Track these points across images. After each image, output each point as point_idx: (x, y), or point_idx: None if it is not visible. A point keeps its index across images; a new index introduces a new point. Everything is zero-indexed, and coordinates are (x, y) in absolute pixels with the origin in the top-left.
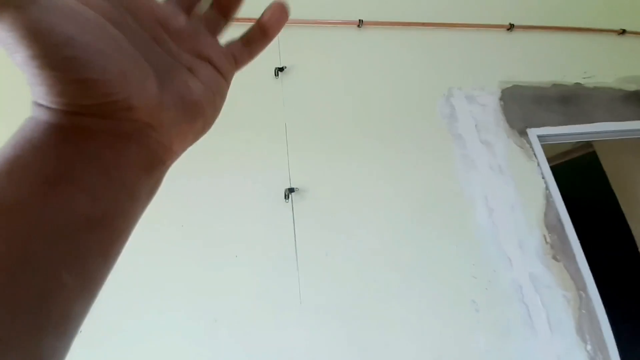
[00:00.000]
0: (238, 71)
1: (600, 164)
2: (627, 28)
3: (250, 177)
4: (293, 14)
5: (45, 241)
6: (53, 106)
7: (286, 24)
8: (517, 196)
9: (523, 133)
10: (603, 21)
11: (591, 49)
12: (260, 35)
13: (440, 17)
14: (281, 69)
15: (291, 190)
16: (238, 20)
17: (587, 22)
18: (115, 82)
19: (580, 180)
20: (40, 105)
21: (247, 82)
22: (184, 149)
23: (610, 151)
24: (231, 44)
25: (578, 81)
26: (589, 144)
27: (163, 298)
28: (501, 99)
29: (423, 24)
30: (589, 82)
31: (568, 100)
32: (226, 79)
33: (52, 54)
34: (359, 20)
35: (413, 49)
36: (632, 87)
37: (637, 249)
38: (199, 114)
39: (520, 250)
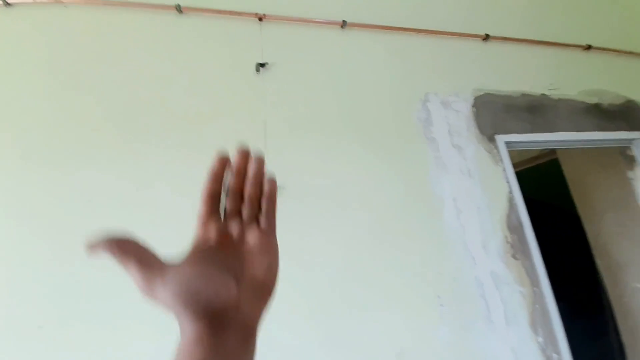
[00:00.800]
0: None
1: (561, 171)
2: (593, 44)
3: None
4: (278, 10)
5: None
6: (192, 327)
7: (270, 20)
8: (483, 198)
9: (492, 139)
10: (571, 36)
11: (558, 62)
12: (270, 203)
13: (421, 23)
14: (262, 65)
15: None
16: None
17: (556, 37)
18: (215, 301)
19: (544, 184)
20: (184, 328)
21: (227, 76)
22: (264, 312)
23: (571, 159)
24: (263, 223)
25: (544, 92)
26: (553, 151)
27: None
28: (474, 105)
29: (405, 29)
30: (554, 94)
31: (534, 110)
32: (276, 253)
33: (186, 304)
34: (343, 20)
35: (394, 52)
36: (593, 100)
37: (590, 250)
38: (266, 290)
39: (483, 249)
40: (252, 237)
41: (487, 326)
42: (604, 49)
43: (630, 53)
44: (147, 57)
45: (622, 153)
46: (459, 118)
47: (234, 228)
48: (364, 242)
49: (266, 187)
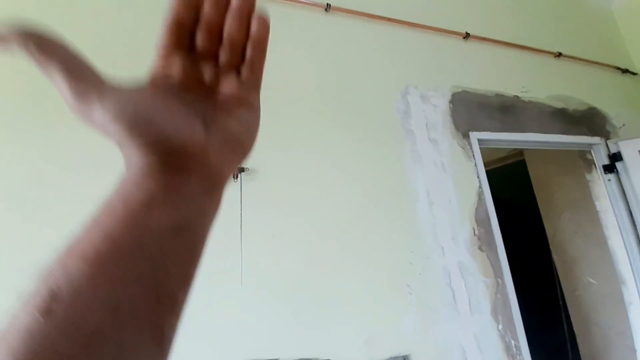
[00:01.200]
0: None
1: (527, 171)
2: (563, 52)
3: None
4: None
5: (153, 242)
6: (138, 160)
7: None
8: (455, 192)
9: (466, 135)
10: (544, 42)
11: (531, 66)
12: (258, 52)
13: (404, 15)
14: None
15: (241, 169)
16: None
17: (531, 42)
18: (173, 137)
19: (510, 183)
20: (130, 159)
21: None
22: (232, 171)
23: (536, 160)
24: (246, 74)
25: (517, 94)
26: (520, 152)
27: None
28: (451, 102)
29: (388, 19)
30: (525, 96)
31: (506, 110)
32: (256, 111)
33: (129, 128)
34: (327, 4)
35: (377, 41)
36: (560, 105)
37: (548, 246)
38: (238, 146)
39: (452, 240)
40: (229, 87)
41: (452, 314)
42: (573, 57)
43: (596, 63)
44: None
45: (582, 157)
46: (436, 113)
47: (206, 71)
48: (336, 228)
49: (254, 28)
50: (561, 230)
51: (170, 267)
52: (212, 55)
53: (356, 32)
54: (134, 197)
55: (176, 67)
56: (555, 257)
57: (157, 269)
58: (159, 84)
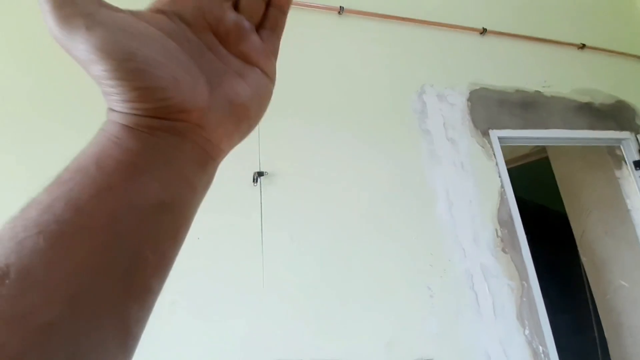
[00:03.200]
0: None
1: (551, 168)
2: (587, 43)
3: None
4: None
5: (129, 220)
6: (123, 110)
7: None
8: (475, 192)
9: (485, 134)
10: (566, 34)
11: (553, 59)
12: (280, 15)
13: (419, 13)
14: None
15: (260, 174)
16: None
17: (552, 34)
18: (170, 88)
19: (533, 182)
20: (113, 110)
21: None
22: (231, 147)
23: (561, 157)
24: (266, 39)
25: (538, 89)
26: (543, 149)
27: None
28: (469, 99)
29: (403, 19)
30: (547, 91)
31: (528, 106)
32: (272, 80)
33: (118, 68)
34: (340, 7)
35: (391, 41)
36: (585, 99)
37: (576, 247)
38: (244, 117)
39: (474, 242)
40: (246, 44)
41: (475, 318)
42: (597, 48)
43: (623, 54)
44: None
45: (611, 153)
46: (454, 111)
47: (224, 18)
48: (355, 232)
49: None
50: (589, 230)
51: (148, 252)
52: (233, 3)
53: (370, 34)
54: (112, 159)
55: (191, 2)
56: (583, 258)
57: (131, 253)
58: (165, 19)
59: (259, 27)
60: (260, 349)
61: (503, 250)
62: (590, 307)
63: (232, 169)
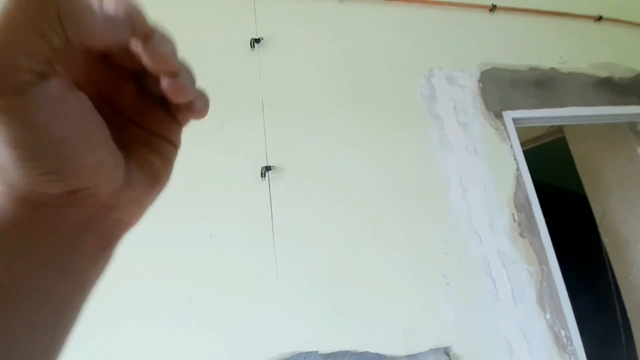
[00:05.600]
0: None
1: (568, 148)
2: (604, 14)
3: (225, 155)
4: None
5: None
6: (18, 186)
7: None
8: (490, 176)
9: (499, 115)
10: (581, 7)
11: (568, 33)
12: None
13: None
14: (257, 40)
15: (268, 168)
16: None
17: (566, 7)
18: (89, 173)
19: (550, 163)
20: (6, 182)
21: (221, 53)
22: (140, 219)
23: (579, 136)
24: (181, 112)
25: (553, 66)
26: (560, 129)
27: (135, 279)
28: (480, 80)
29: (406, 0)
30: (564, 67)
31: (543, 85)
32: (177, 147)
33: (38, 152)
34: None
35: (395, 25)
36: (604, 74)
37: (596, 227)
38: (158, 186)
39: (490, 228)
40: (154, 117)
41: (494, 304)
42: (615, 20)
43: None
44: None
45: (633, 129)
46: (465, 94)
47: (127, 88)
48: (366, 221)
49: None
50: (611, 211)
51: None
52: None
53: (372, 19)
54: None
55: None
56: (605, 239)
57: None
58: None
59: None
60: (276, 341)
61: (521, 234)
62: (613, 288)
63: (239, 165)
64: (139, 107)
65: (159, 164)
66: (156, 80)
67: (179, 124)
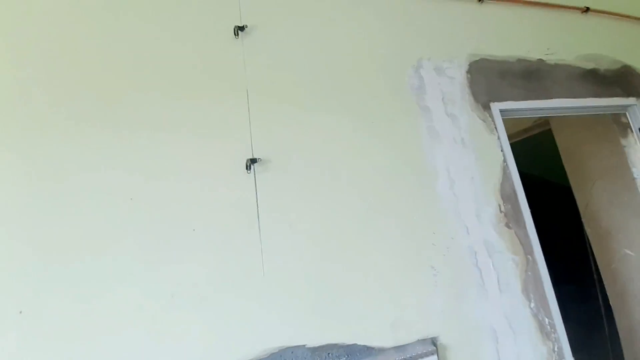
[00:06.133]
0: None
1: (554, 141)
2: (591, 6)
3: (209, 147)
4: None
5: None
6: None
7: None
8: (477, 168)
9: (486, 107)
10: None
11: (556, 25)
12: None
13: None
14: (242, 28)
15: (253, 160)
16: None
17: None
18: None
19: (536, 155)
20: None
21: (203, 42)
22: None
23: (564, 128)
24: None
25: (541, 57)
26: (546, 122)
27: (115, 277)
28: (468, 72)
29: None
30: (551, 59)
31: (530, 76)
32: None
33: None
34: None
35: (384, 15)
36: (590, 66)
37: (580, 218)
38: None
39: (477, 218)
40: None
41: (480, 294)
42: (602, 12)
43: (629, 17)
44: (120, 22)
45: (616, 121)
46: (453, 85)
47: None
48: (354, 214)
49: None
50: (594, 201)
51: None
52: None
53: (361, 8)
54: None
55: None
56: (588, 229)
57: None
58: None
59: None
60: (263, 335)
61: (507, 225)
62: (595, 277)
63: (224, 157)
64: None
65: None
66: None
67: None
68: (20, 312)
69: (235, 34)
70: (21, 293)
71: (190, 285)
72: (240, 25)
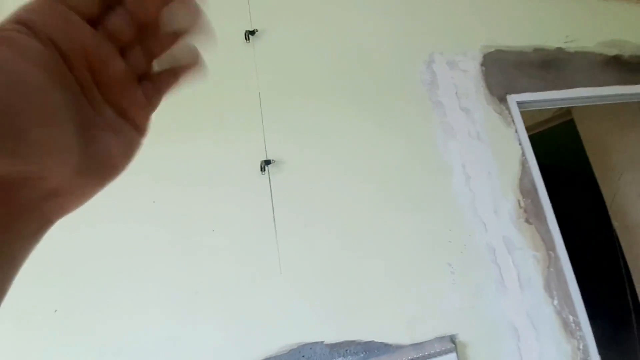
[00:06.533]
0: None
1: (577, 131)
2: None
3: (224, 150)
4: None
5: None
6: None
7: None
8: (494, 163)
9: (502, 99)
10: None
11: (575, 11)
12: (172, 79)
13: None
14: (252, 32)
15: (267, 162)
16: None
17: None
18: (37, 151)
19: (558, 147)
20: None
21: (215, 47)
22: (80, 206)
23: (587, 118)
24: (150, 95)
25: (560, 45)
26: (568, 111)
27: (142, 276)
28: (482, 64)
29: None
30: (570, 47)
31: (549, 65)
32: (143, 136)
33: None
34: None
35: (394, 10)
36: (613, 52)
37: (607, 211)
38: (111, 175)
39: (495, 215)
40: (133, 98)
41: (500, 291)
42: None
43: None
44: None
45: None
46: (467, 78)
47: (116, 61)
48: (369, 212)
49: (182, 50)
50: (622, 194)
51: None
52: (121, 45)
53: (371, 4)
54: None
55: (74, 25)
56: (615, 223)
57: None
58: (38, 47)
59: (143, 77)
60: (282, 332)
61: (527, 221)
62: (624, 272)
63: (239, 160)
64: (119, 83)
65: (119, 153)
66: (145, 50)
67: (151, 106)
68: (56, 311)
69: (246, 38)
70: (55, 293)
71: (211, 283)
72: (250, 29)
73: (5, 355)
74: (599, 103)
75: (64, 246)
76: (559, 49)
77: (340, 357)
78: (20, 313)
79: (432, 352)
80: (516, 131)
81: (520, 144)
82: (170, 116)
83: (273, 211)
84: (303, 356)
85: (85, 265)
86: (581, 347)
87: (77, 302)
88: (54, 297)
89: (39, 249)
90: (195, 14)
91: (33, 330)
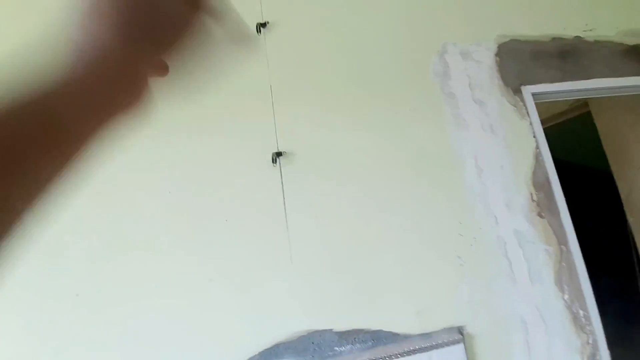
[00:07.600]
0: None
1: (593, 124)
2: None
3: (236, 142)
4: None
5: None
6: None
7: None
8: (507, 155)
9: (517, 91)
10: None
11: None
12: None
13: None
14: (263, 25)
15: (278, 154)
16: None
17: None
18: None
19: (573, 140)
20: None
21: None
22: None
23: (605, 110)
24: None
25: (578, 34)
26: (584, 104)
27: (159, 264)
28: (497, 54)
29: None
30: (590, 36)
31: (567, 55)
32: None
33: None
34: None
35: (406, 1)
36: (634, 41)
37: (622, 206)
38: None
39: (506, 208)
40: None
41: (510, 285)
42: None
43: None
44: None
45: None
46: (481, 69)
47: None
48: (379, 203)
49: None
50: (638, 188)
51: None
52: None
53: None
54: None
55: None
56: (630, 218)
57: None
58: None
59: None
60: (292, 320)
61: (539, 214)
62: (637, 269)
63: (250, 151)
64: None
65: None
66: None
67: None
68: (77, 295)
69: (257, 30)
70: (78, 279)
71: (224, 272)
72: (262, 22)
73: (30, 337)
74: (617, 94)
75: (88, 237)
76: (578, 38)
77: (348, 344)
78: (44, 297)
79: (439, 342)
80: (530, 123)
81: (534, 137)
82: (185, 110)
83: (284, 202)
84: (312, 343)
85: (106, 253)
86: (591, 341)
87: (98, 287)
88: (78, 285)
89: (63, 239)
90: None
91: (57, 313)
